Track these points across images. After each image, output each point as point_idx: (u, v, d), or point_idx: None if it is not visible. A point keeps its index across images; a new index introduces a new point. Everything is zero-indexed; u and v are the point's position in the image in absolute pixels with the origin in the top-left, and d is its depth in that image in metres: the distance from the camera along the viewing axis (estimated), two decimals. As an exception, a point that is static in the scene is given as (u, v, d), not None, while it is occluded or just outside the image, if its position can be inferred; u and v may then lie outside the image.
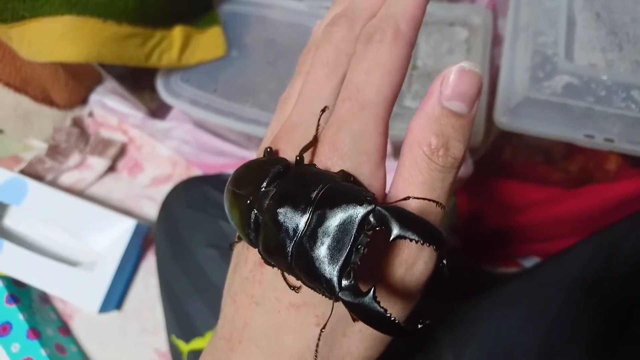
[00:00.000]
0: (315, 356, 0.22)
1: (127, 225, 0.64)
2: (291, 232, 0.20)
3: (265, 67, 0.70)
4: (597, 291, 0.53)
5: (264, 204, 0.22)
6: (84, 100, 0.79)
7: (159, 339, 0.66)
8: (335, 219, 0.19)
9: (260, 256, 0.23)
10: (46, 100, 0.76)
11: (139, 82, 0.72)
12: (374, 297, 0.18)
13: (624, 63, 0.53)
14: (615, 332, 0.49)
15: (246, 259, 0.26)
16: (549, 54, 0.52)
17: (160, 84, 0.67)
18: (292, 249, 0.20)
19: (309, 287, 0.21)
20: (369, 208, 0.19)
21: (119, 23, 0.60)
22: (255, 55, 0.70)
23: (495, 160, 0.66)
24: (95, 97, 0.79)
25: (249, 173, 0.25)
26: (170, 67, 0.67)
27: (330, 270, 0.19)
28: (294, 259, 0.20)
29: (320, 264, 0.19)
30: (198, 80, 0.68)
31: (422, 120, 0.22)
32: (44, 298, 0.68)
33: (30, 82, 0.73)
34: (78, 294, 0.62)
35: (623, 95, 0.50)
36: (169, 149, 0.75)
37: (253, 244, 0.23)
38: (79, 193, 0.74)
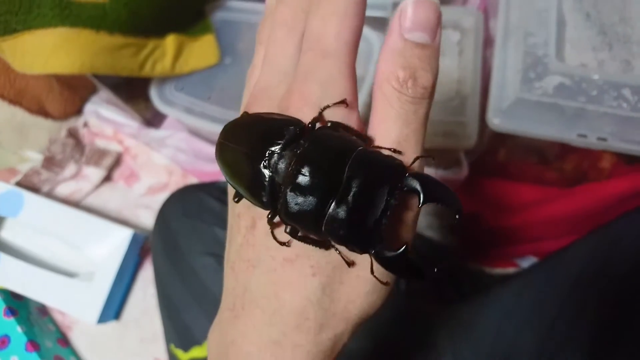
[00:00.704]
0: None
1: (124, 235, 0.64)
2: (322, 196, 0.20)
3: None
4: (596, 290, 0.53)
5: (282, 166, 0.22)
6: (78, 111, 0.80)
7: (158, 348, 0.66)
8: (367, 185, 0.20)
9: (262, 219, 0.24)
10: (41, 111, 0.76)
11: (133, 91, 0.72)
12: (405, 253, 0.20)
13: (615, 62, 0.53)
14: (615, 330, 0.49)
15: (238, 227, 0.26)
16: (539, 55, 0.52)
17: (154, 93, 0.67)
18: (326, 213, 0.20)
19: (340, 245, 0.22)
20: (400, 174, 0.21)
21: (111, 34, 0.60)
22: (249, 62, 0.70)
23: (490, 161, 0.66)
24: (90, 107, 0.79)
25: (256, 131, 0.24)
26: (164, 76, 0.67)
27: (364, 233, 0.20)
28: (326, 222, 0.20)
29: (354, 225, 0.20)
30: (192, 89, 0.68)
31: (387, 56, 0.23)
32: (43, 310, 0.68)
33: (25, 94, 0.73)
34: (76, 305, 0.62)
35: (614, 94, 0.50)
36: (164, 157, 0.75)
37: (265, 206, 0.23)
38: (76, 204, 0.74)
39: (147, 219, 0.72)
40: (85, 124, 0.78)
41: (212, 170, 0.74)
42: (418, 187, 0.21)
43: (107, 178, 0.76)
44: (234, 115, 0.66)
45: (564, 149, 0.61)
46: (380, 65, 0.23)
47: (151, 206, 0.73)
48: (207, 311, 0.53)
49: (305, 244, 0.23)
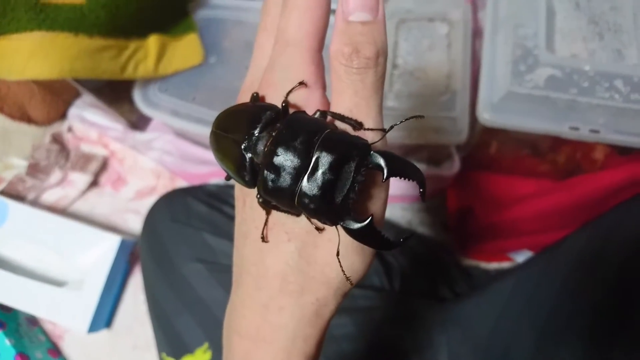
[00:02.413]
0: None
1: (112, 242, 0.63)
2: (294, 174, 0.22)
3: (245, 72, 0.68)
4: (592, 282, 0.52)
5: (260, 148, 0.24)
6: (62, 115, 0.78)
7: (151, 355, 0.65)
8: (335, 162, 0.22)
9: (249, 196, 0.26)
10: (24, 117, 0.75)
11: (116, 94, 0.70)
12: (371, 223, 0.22)
13: (606, 52, 0.52)
14: (613, 321, 0.49)
15: (236, 207, 0.29)
16: (529, 47, 0.51)
17: (137, 96, 0.66)
18: (297, 188, 0.22)
19: (312, 218, 0.23)
20: (365, 152, 0.22)
21: (90, 36, 0.58)
22: (234, 60, 0.69)
23: (482, 155, 0.65)
24: (74, 112, 0.77)
25: (239, 118, 0.26)
26: (147, 77, 0.65)
27: (333, 205, 0.22)
28: (298, 197, 0.22)
29: (323, 200, 0.22)
30: (176, 90, 0.66)
31: (334, 39, 0.25)
32: (32, 320, 0.67)
33: (6, 100, 0.71)
34: (66, 314, 0.61)
35: (606, 85, 0.49)
36: (151, 160, 0.74)
37: (248, 184, 0.26)
38: (62, 210, 0.72)
39: (136, 224, 0.71)
40: (70, 129, 0.77)
41: (200, 172, 0.73)
42: (382, 162, 0.22)
43: (94, 183, 0.74)
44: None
45: (557, 141, 0.60)
46: (330, 49, 0.25)
47: (140, 211, 0.72)
48: (198, 319, 0.52)
49: (279, 212, 0.25)
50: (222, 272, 0.52)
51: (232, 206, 0.60)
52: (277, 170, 0.23)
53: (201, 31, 0.70)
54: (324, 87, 0.27)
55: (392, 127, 0.25)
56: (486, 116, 0.51)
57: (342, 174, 0.22)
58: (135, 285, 0.68)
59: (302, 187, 0.22)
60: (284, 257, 0.25)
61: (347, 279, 0.25)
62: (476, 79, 0.55)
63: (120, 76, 0.62)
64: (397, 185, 0.68)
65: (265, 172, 0.23)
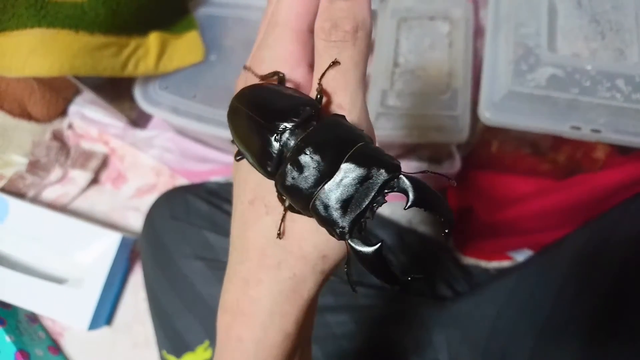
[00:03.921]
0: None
1: (112, 240, 0.63)
2: (317, 178, 0.22)
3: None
4: (591, 281, 0.52)
5: (291, 141, 0.24)
6: (62, 112, 0.78)
7: (152, 353, 0.65)
8: (361, 177, 0.21)
9: (251, 174, 0.26)
10: (23, 114, 0.75)
11: (117, 91, 0.70)
12: (380, 250, 0.21)
13: (607, 51, 0.52)
14: (612, 321, 0.49)
15: (234, 186, 0.29)
16: (531, 46, 0.51)
17: (138, 93, 0.66)
18: (316, 193, 0.22)
19: (321, 226, 0.22)
20: (394, 174, 0.21)
21: (91, 33, 0.58)
22: (235, 58, 0.69)
23: (483, 154, 0.65)
24: (74, 109, 0.77)
25: (273, 103, 0.25)
26: (148, 75, 0.65)
27: (346, 219, 0.21)
28: (315, 201, 0.22)
29: (338, 211, 0.21)
30: (177, 87, 0.66)
31: (317, 19, 0.25)
32: (32, 317, 0.67)
33: (6, 97, 0.71)
34: (66, 311, 0.61)
35: (608, 84, 0.49)
36: (152, 158, 0.74)
37: (269, 174, 0.25)
38: (62, 208, 0.72)
39: (137, 222, 0.71)
40: (70, 126, 0.77)
41: (200, 170, 0.73)
42: (409, 190, 0.21)
43: (94, 181, 0.74)
44: (220, 113, 0.65)
45: (558, 141, 0.60)
46: (314, 30, 0.26)
47: (140, 208, 0.71)
48: (198, 316, 0.52)
49: (262, 187, 0.25)
50: (222, 270, 0.51)
51: (232, 204, 0.60)
52: (301, 168, 0.22)
53: (202, 29, 0.70)
54: (309, 66, 0.27)
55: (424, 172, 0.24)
56: (487, 115, 0.51)
57: (364, 190, 0.21)
58: (136, 282, 0.68)
59: (321, 193, 0.22)
60: (262, 230, 0.25)
61: (326, 255, 0.25)
62: (477, 78, 0.55)
63: (121, 73, 0.62)
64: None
65: (289, 167, 0.22)
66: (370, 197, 0.21)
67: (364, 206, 0.21)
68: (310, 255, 0.25)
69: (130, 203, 0.73)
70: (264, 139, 0.24)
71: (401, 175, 0.22)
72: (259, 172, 0.25)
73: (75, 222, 0.63)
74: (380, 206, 0.22)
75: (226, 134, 0.63)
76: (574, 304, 0.52)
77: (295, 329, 0.26)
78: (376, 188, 0.21)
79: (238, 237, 0.27)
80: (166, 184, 0.73)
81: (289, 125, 0.24)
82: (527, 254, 0.66)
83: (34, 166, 0.72)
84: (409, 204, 0.21)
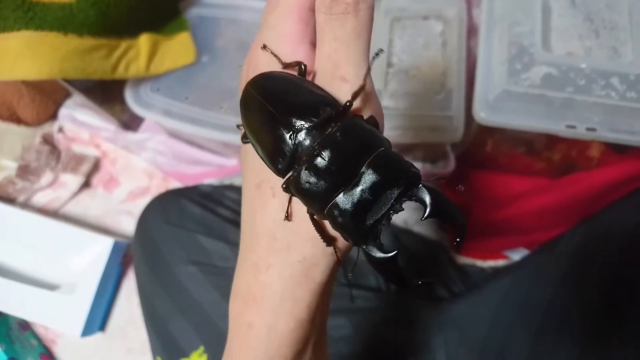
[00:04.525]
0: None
1: (104, 244, 0.62)
2: (334, 184, 0.21)
3: (238, 71, 0.67)
4: (588, 279, 0.52)
5: (307, 142, 0.23)
6: (53, 116, 0.77)
7: (147, 358, 0.64)
8: (380, 184, 0.21)
9: (267, 177, 0.25)
10: (13, 118, 0.74)
11: (108, 93, 0.69)
12: (395, 257, 0.21)
13: (602, 50, 0.52)
14: (609, 319, 0.49)
15: (242, 172, 0.29)
16: (525, 45, 0.51)
17: (129, 96, 0.65)
18: (332, 199, 0.21)
19: (336, 231, 0.22)
20: (414, 184, 0.21)
21: (80, 36, 0.57)
22: (227, 59, 0.68)
23: (478, 153, 0.65)
24: (64, 112, 0.76)
25: (292, 97, 0.24)
26: (139, 77, 0.64)
27: (363, 228, 0.21)
28: (330, 207, 0.21)
29: (354, 218, 0.21)
30: (169, 89, 0.65)
31: None
32: (24, 324, 0.66)
33: (-6, 101, 0.70)
34: (59, 318, 0.60)
35: (602, 83, 0.49)
36: (144, 161, 0.73)
37: (279, 172, 0.24)
38: (54, 213, 0.71)
39: (129, 226, 0.70)
40: (60, 129, 0.76)
41: (194, 172, 0.72)
42: (427, 200, 0.21)
43: (86, 184, 0.73)
44: (213, 115, 0.64)
45: (552, 139, 0.60)
46: (315, 5, 0.25)
47: (133, 212, 0.71)
48: (193, 322, 0.51)
49: (267, 169, 0.24)
50: (216, 275, 0.52)
51: (226, 207, 0.59)
52: (317, 173, 0.22)
53: (193, 30, 0.69)
54: (311, 44, 0.26)
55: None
56: (482, 115, 0.51)
57: (382, 197, 0.21)
58: (129, 287, 0.67)
59: (338, 199, 0.21)
60: (270, 214, 0.25)
61: (333, 237, 0.24)
62: (472, 77, 0.55)
63: (111, 76, 0.61)
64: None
65: (304, 171, 0.22)
66: (389, 205, 0.21)
67: (380, 215, 0.21)
68: (319, 237, 0.24)
69: (123, 207, 0.72)
70: (278, 135, 0.23)
71: (421, 185, 0.21)
72: (268, 167, 0.24)
73: (66, 228, 0.62)
74: (397, 213, 0.21)
75: (218, 136, 0.62)
76: (570, 302, 0.52)
77: (308, 315, 0.25)
78: (394, 196, 0.21)
79: (247, 223, 0.27)
80: (159, 187, 0.72)
81: (306, 124, 0.23)
82: (523, 253, 0.66)
83: (24, 171, 0.71)
84: (426, 214, 0.21)
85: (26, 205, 0.71)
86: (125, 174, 0.73)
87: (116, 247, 0.62)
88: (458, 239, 0.22)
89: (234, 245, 0.52)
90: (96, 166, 0.74)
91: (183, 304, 0.52)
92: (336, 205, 0.21)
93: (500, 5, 0.54)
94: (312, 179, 0.22)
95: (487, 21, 0.53)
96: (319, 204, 0.22)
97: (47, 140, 0.74)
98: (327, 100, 0.24)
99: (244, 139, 0.27)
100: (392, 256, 0.21)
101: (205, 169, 0.71)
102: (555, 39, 0.52)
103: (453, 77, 0.58)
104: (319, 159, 0.22)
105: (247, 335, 0.26)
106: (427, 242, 0.66)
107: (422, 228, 0.69)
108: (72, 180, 0.72)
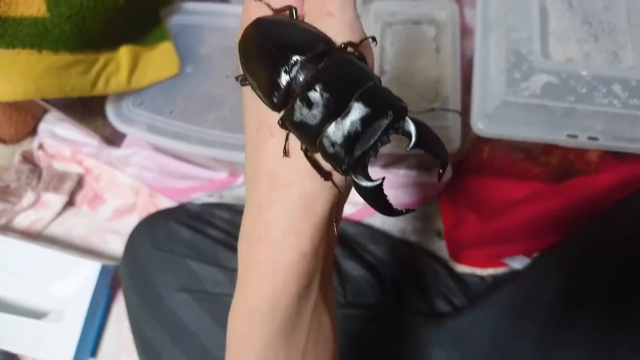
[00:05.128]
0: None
1: (92, 269, 0.59)
2: (325, 115, 0.22)
3: (224, 80, 0.65)
4: (591, 286, 0.51)
5: (302, 75, 0.24)
6: (32, 132, 0.74)
7: (140, 383, 0.62)
8: (368, 116, 0.22)
9: (266, 116, 0.26)
10: (-11, 136, 0.70)
11: (88, 108, 0.66)
12: (381, 186, 0.22)
13: (601, 54, 0.50)
14: (612, 330, 0.48)
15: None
16: (524, 52, 0.49)
17: (110, 111, 0.62)
18: (324, 130, 0.22)
19: (326, 161, 0.23)
20: (401, 116, 0.22)
21: (56, 52, 0.54)
22: (213, 69, 0.66)
23: (474, 160, 0.63)
24: (44, 127, 0.73)
25: (289, 35, 0.25)
26: (120, 92, 0.61)
27: (352, 157, 0.22)
28: (322, 138, 0.22)
29: (344, 148, 0.22)
30: (152, 103, 0.63)
31: None
32: (10, 356, 0.63)
33: (-31, 119, 0.67)
34: (47, 348, 0.58)
35: (604, 90, 0.47)
36: (129, 176, 0.70)
37: (275, 107, 0.25)
38: (37, 234, 0.68)
39: (117, 245, 0.68)
40: (41, 146, 0.73)
41: (182, 187, 0.69)
42: (413, 131, 0.22)
43: (70, 203, 0.71)
44: (199, 130, 0.61)
45: (550, 144, 0.58)
46: None
47: (120, 231, 0.68)
48: (186, 351, 0.49)
49: (266, 111, 0.25)
50: (209, 301, 0.50)
51: (216, 227, 0.57)
52: (310, 105, 0.23)
53: (175, 39, 0.66)
54: None
55: (433, 109, 0.27)
56: (480, 126, 0.49)
57: (370, 129, 0.22)
58: (119, 311, 0.64)
59: (328, 130, 0.22)
60: (270, 152, 0.26)
61: (330, 170, 0.25)
62: (467, 82, 0.53)
63: (91, 92, 0.58)
64: (389, 194, 0.65)
65: (298, 102, 0.23)
66: (376, 137, 0.22)
67: (369, 145, 0.22)
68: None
69: (109, 225, 0.69)
70: (274, 70, 0.24)
71: (407, 117, 0.22)
72: (264, 103, 0.25)
73: (51, 253, 0.60)
74: (384, 145, 0.22)
75: (205, 151, 0.59)
76: (574, 311, 0.51)
77: (312, 249, 0.26)
78: (382, 128, 0.22)
79: (250, 166, 0.27)
80: (146, 203, 0.70)
81: (301, 58, 0.24)
82: (523, 260, 0.64)
83: (4, 192, 0.67)
84: (411, 145, 0.22)
85: (7, 229, 0.68)
86: (110, 190, 0.71)
87: (104, 271, 0.60)
88: (440, 170, 0.23)
89: (226, 269, 0.50)
90: (79, 183, 0.71)
91: (176, 333, 0.50)
92: (326, 136, 0.22)
93: (495, 10, 0.52)
94: (305, 111, 0.23)
95: (482, 25, 0.51)
96: (311, 136, 0.23)
97: (27, 158, 0.70)
98: (320, 36, 0.25)
99: (242, 81, 0.28)
100: (379, 184, 0.22)
101: (194, 183, 0.69)
102: (554, 44, 0.51)
103: (448, 84, 0.56)
104: (311, 92, 0.23)
105: (255, 271, 0.26)
106: (424, 253, 0.65)
107: (419, 237, 0.67)
108: (55, 200, 0.69)
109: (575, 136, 0.48)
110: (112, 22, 0.59)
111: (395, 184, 0.66)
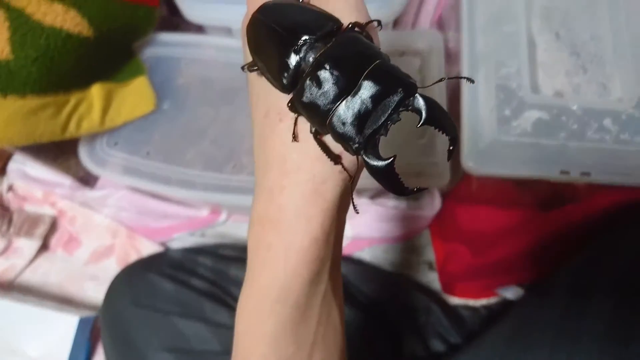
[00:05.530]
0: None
1: (69, 323, 0.56)
2: (335, 94, 0.22)
3: (203, 113, 0.63)
4: (587, 318, 0.50)
5: (311, 55, 0.24)
6: (1, 172, 0.70)
7: None
8: (378, 94, 0.22)
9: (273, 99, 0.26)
10: (-46, 179, 0.66)
11: (60, 149, 0.63)
12: (392, 164, 0.22)
13: (590, 86, 0.50)
14: (615, 351, 0.47)
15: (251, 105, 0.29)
16: (513, 87, 0.48)
17: (83, 153, 0.59)
18: (334, 109, 0.22)
19: (336, 142, 0.23)
20: (410, 93, 0.22)
21: (22, 96, 0.51)
22: (191, 102, 0.63)
23: (464, 191, 0.62)
24: (13, 166, 0.69)
25: (297, 16, 0.25)
26: (93, 133, 0.58)
27: (362, 136, 0.22)
28: (332, 118, 0.22)
29: (354, 127, 0.22)
30: (128, 143, 0.60)
31: None
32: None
33: None
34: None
35: (595, 125, 0.46)
36: (106, 217, 0.67)
37: (284, 88, 0.25)
38: (9, 284, 0.65)
39: (95, 293, 0.64)
40: (10, 188, 0.69)
41: (161, 226, 0.67)
42: (423, 108, 0.22)
43: (44, 247, 0.67)
44: (177, 170, 0.58)
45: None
46: None
47: (98, 276, 0.65)
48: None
49: (273, 97, 0.26)
50: (196, 360, 0.47)
51: (200, 277, 0.54)
52: (319, 84, 0.22)
53: (150, 72, 0.63)
54: None
55: (440, 80, 0.26)
56: (471, 165, 0.48)
57: (380, 107, 0.22)
58: (100, 362, 0.61)
59: (338, 109, 0.22)
60: (280, 138, 0.26)
61: (340, 153, 0.24)
62: (454, 113, 0.51)
63: (62, 136, 0.55)
64: (378, 227, 0.64)
65: (308, 82, 0.23)
66: (387, 114, 0.22)
67: (379, 123, 0.22)
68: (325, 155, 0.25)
69: (87, 270, 0.66)
70: (284, 51, 0.24)
71: (417, 95, 0.22)
72: (274, 85, 0.25)
73: (24, 308, 0.56)
74: (394, 123, 0.22)
75: (185, 194, 0.57)
76: (573, 342, 0.50)
77: (322, 235, 0.26)
78: (392, 106, 0.22)
79: (259, 152, 0.27)
80: (124, 245, 0.66)
81: (309, 38, 0.24)
82: (515, 290, 0.63)
83: (-29, 240, 0.64)
84: (421, 122, 0.22)
85: (-24, 279, 0.64)
86: (86, 232, 0.67)
87: (82, 325, 0.57)
88: (451, 147, 0.23)
89: (213, 324, 0.48)
90: (53, 226, 0.68)
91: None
92: (337, 115, 0.22)
93: (482, 43, 0.50)
94: (315, 90, 0.23)
95: (469, 61, 0.50)
96: (321, 116, 0.23)
97: (-4, 201, 0.67)
98: (328, 16, 0.25)
99: (250, 67, 0.27)
100: (389, 163, 0.22)
101: (174, 222, 0.66)
102: (543, 77, 0.50)
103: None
104: (321, 70, 0.23)
105: (267, 256, 0.27)
106: (416, 287, 0.63)
107: (410, 270, 0.66)
108: (27, 245, 0.65)
109: (567, 172, 0.47)
110: (83, 60, 0.56)
111: (384, 216, 0.64)
